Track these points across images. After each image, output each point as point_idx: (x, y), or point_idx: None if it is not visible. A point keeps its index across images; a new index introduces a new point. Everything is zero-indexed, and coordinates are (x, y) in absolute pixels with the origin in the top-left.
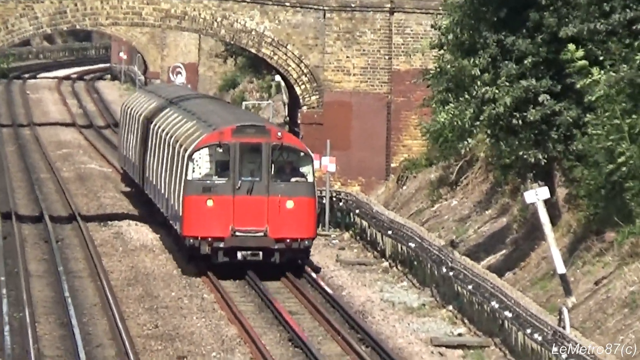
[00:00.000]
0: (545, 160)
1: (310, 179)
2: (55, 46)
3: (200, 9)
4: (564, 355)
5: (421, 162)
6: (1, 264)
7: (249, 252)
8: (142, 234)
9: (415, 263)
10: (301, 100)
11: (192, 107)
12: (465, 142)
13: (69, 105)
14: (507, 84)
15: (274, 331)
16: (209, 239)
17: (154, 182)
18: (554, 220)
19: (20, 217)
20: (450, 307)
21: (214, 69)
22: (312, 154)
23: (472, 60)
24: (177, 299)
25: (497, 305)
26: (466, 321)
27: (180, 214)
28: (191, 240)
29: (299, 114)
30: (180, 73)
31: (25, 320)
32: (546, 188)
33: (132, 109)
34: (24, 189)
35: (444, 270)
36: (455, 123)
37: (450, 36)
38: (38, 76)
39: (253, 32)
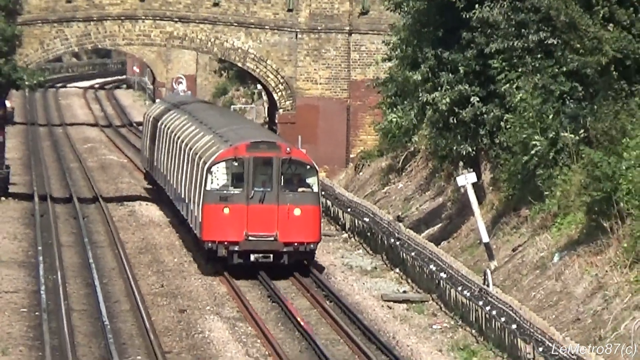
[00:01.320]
0: (473, 151)
1: (315, 189)
2: (82, 62)
3: (197, 32)
4: (487, 308)
5: (374, 153)
6: (39, 236)
7: (260, 255)
8: (151, 212)
9: (369, 234)
10: (278, 104)
11: (208, 119)
12: (410, 138)
13: (92, 109)
14: (447, 88)
15: (256, 290)
16: (225, 243)
17: (175, 187)
18: (480, 199)
19: (54, 198)
20: (397, 270)
21: (208, 80)
22: (317, 167)
23: (415, 71)
24: (178, 264)
25: (434, 268)
26: (410, 281)
27: (200, 220)
28: (209, 244)
29: (276, 115)
30: (181, 82)
31: (57, 282)
32: (474, 174)
33: (154, 118)
34: (57, 175)
35: (392, 240)
36: (401, 123)
37: (397, 51)
38: (68, 86)
39: (239, 50)
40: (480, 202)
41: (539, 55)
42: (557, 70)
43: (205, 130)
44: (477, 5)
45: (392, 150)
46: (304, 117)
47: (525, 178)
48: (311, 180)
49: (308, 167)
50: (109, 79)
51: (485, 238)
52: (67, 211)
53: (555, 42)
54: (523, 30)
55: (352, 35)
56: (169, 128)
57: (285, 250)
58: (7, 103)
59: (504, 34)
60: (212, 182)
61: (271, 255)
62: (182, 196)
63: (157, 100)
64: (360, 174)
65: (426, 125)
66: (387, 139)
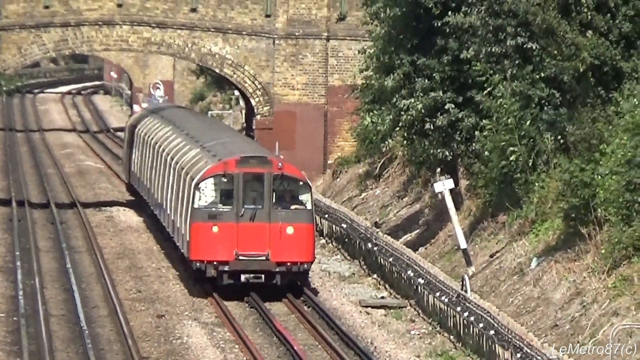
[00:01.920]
0: (450, 157)
1: (309, 206)
2: (59, 67)
3: (174, 37)
4: (465, 314)
5: (351, 159)
6: (16, 242)
7: (251, 275)
8: (129, 217)
9: (347, 240)
10: (255, 110)
11: (193, 131)
12: (386, 143)
13: (70, 114)
14: (421, 94)
15: (235, 296)
16: (215, 263)
17: (160, 202)
18: (457, 205)
19: (31, 203)
20: (375, 276)
21: (185, 85)
22: (310, 183)
23: (390, 77)
24: (156, 269)
25: (412, 274)
26: (387, 287)
27: (188, 238)
28: (197, 264)
29: (254, 121)
30: (159, 88)
31: (35, 287)
32: (451, 180)
33: (136, 127)
34: (34, 181)
35: (370, 245)
36: (377, 127)
37: (374, 59)
38: (45, 91)
39: (217, 56)
40: (457, 208)
41: (517, 61)
42: (535, 76)
43: (192, 143)
44: (450, 12)
45: (370, 156)
46: (282, 123)
47: (503, 184)
48: (304, 197)
49: (301, 183)
50: (87, 84)
51: (463, 244)
52: (45, 216)
53: (533, 47)
54: (500, 34)
55: (330, 41)
56: (152, 139)
57: (277, 270)
58: None
59: (482, 39)
60: (200, 199)
61: (262, 276)
62: (168, 212)
63: (139, 108)
64: (338, 180)
65: (401, 130)
66: (364, 144)
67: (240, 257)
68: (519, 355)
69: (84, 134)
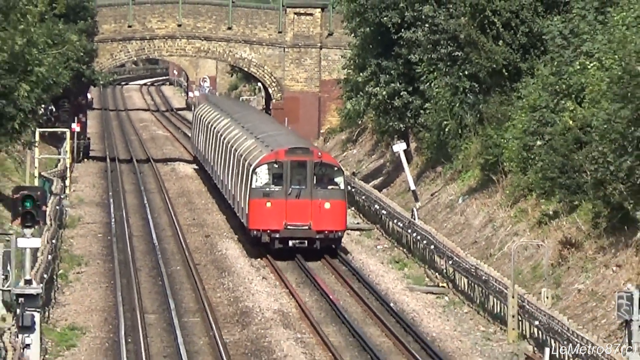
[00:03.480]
0: (404, 128)
1: (342, 186)
2: (138, 67)
3: (216, 47)
4: (414, 234)
5: (337, 130)
6: (110, 185)
7: (297, 241)
8: (186, 169)
9: None
10: (272, 96)
11: (248, 123)
12: (361, 118)
13: (145, 99)
14: (384, 85)
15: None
16: (268, 231)
17: (222, 179)
18: (408, 160)
19: (119, 160)
20: (353, 208)
21: (224, 79)
22: (343, 169)
23: (362, 74)
24: (205, 204)
25: (377, 207)
26: (361, 216)
27: (247, 212)
28: (255, 232)
29: (270, 104)
30: (206, 81)
31: (123, 216)
32: (404, 143)
33: (201, 115)
34: (122, 144)
35: (349, 187)
36: (355, 108)
37: (352, 62)
38: (129, 84)
39: (245, 59)
40: (409, 162)
41: (448, 63)
42: (460, 73)
43: (247, 134)
44: (403, 30)
45: (349, 127)
46: (289, 105)
47: (440, 147)
48: (338, 180)
49: (336, 168)
50: (157, 78)
51: (412, 187)
52: (129, 168)
53: (459, 54)
54: (437, 45)
55: (322, 49)
56: (214, 127)
57: (317, 237)
58: (89, 95)
59: (424, 48)
60: (256, 181)
61: (306, 241)
62: (229, 189)
63: (192, 94)
64: (327, 143)
65: (370, 109)
66: (346, 120)
67: (288, 227)
68: (450, 262)
69: (155, 112)
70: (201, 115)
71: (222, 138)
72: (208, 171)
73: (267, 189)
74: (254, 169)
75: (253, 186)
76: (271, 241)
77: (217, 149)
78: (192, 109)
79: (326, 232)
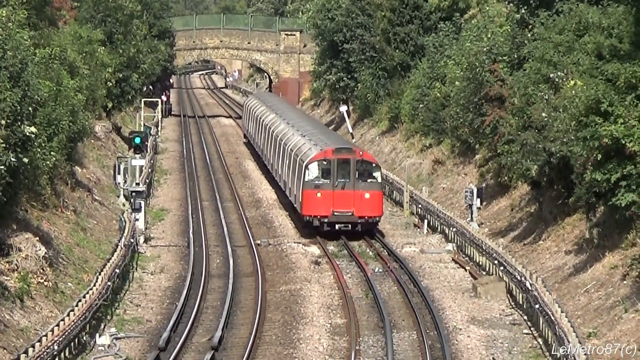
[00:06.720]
0: (345, 97)
1: (379, 180)
2: (198, 65)
3: (242, 53)
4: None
5: (309, 99)
6: (183, 129)
7: (342, 225)
8: (225, 121)
9: None
10: (272, 81)
11: (291, 119)
12: (322, 93)
13: (202, 82)
14: (334, 74)
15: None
16: (318, 217)
17: (279, 171)
18: (349, 116)
19: (188, 116)
20: None
21: (246, 71)
22: (380, 165)
23: (322, 67)
24: (236, 142)
25: None
26: None
27: (300, 200)
28: (307, 217)
29: (272, 85)
30: (236, 72)
31: (190, 147)
32: (346, 106)
33: (250, 106)
34: (189, 107)
35: None
36: (318, 87)
37: (316, 61)
38: (193, 74)
39: (257, 60)
40: (349, 117)
41: (371, 62)
42: (377, 67)
43: (294, 130)
44: (345, 43)
45: (315, 98)
46: (282, 86)
47: (365, 107)
48: (376, 174)
49: (374, 165)
50: (208, 70)
51: (351, 130)
52: (194, 120)
53: (376, 56)
54: (364, 52)
55: (300, 54)
56: (262, 120)
57: (359, 221)
58: (171, 80)
59: (357, 53)
60: (308, 175)
61: (350, 225)
62: (284, 179)
63: (230, 78)
64: (303, 107)
65: (326, 87)
66: (313, 93)
67: (335, 213)
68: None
69: (207, 90)
70: (250, 106)
71: (268, 128)
72: (255, 148)
73: (317, 182)
74: (306, 165)
75: (306, 179)
76: (320, 225)
77: (264, 134)
78: (229, 87)
79: (366, 217)
